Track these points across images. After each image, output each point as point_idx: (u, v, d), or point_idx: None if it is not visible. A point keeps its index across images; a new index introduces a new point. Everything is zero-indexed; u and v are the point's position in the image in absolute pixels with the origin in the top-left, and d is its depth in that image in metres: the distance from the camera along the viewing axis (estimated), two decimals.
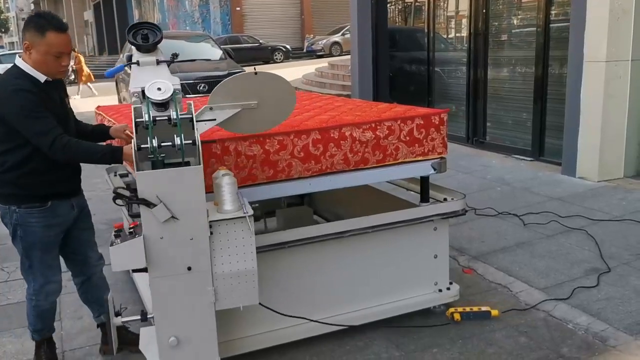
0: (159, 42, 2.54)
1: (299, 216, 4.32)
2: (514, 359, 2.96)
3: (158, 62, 2.51)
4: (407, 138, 3.10)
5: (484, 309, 3.34)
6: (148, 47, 2.53)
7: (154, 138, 2.30)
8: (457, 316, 3.30)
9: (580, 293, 3.52)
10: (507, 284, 3.75)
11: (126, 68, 2.60)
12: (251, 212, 2.45)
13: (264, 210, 4.13)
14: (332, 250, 3.11)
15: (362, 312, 3.22)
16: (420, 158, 3.17)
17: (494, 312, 3.32)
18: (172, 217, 2.36)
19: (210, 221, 2.42)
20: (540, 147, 6.66)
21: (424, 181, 3.36)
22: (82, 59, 18.51)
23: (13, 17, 60.93)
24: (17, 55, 2.76)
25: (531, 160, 6.63)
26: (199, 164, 2.35)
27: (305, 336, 3.10)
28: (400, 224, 3.20)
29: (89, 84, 18.14)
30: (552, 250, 4.16)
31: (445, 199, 3.40)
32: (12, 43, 64.12)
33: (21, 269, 2.90)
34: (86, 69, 18.31)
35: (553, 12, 6.47)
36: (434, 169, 3.22)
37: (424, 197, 3.37)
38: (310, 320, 3.06)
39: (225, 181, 2.45)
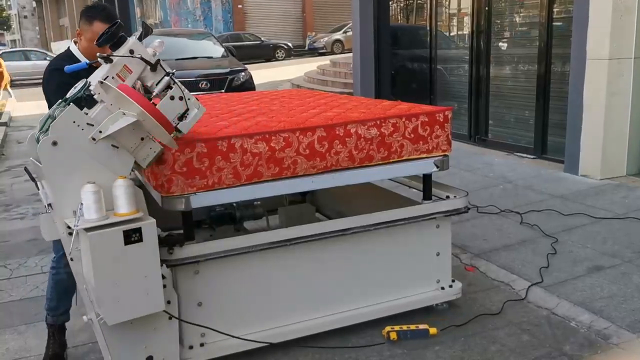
0: (110, 37, 2.49)
1: (301, 214, 4.32)
2: (516, 357, 2.96)
3: (106, 61, 2.47)
4: (412, 135, 3.10)
5: (421, 327, 3.16)
6: (103, 44, 2.52)
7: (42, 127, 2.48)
8: (393, 335, 3.11)
9: (583, 291, 3.52)
10: (510, 281, 3.75)
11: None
12: (78, 228, 2.34)
13: (266, 208, 4.13)
14: (334, 247, 3.11)
15: (364, 310, 3.22)
16: (424, 155, 3.17)
17: (432, 331, 3.14)
18: (49, 205, 2.48)
19: (66, 222, 2.41)
20: (542, 145, 6.65)
21: (427, 179, 3.35)
22: (2, 62, 17.83)
23: (15, 14, 60.93)
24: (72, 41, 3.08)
25: (533, 158, 6.62)
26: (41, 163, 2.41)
27: (308, 333, 3.11)
28: (402, 221, 3.20)
29: (8, 88, 17.58)
30: (554, 248, 4.16)
31: (447, 197, 3.40)
32: (14, 41, 64.06)
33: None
34: (7, 74, 17.53)
35: (555, 9, 6.46)
36: (437, 167, 3.22)
37: (427, 195, 3.37)
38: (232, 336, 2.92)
39: (84, 189, 2.35)
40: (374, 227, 3.13)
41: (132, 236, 2.38)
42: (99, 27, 2.80)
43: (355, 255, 3.19)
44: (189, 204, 2.69)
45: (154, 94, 2.58)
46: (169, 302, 2.69)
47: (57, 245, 2.92)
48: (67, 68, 2.68)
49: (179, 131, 2.57)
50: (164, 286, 2.63)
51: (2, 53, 25.93)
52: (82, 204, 2.36)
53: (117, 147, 2.44)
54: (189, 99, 2.55)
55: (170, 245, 2.70)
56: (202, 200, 2.72)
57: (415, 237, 3.30)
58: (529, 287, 3.63)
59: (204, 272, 2.84)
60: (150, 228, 2.44)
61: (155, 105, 2.50)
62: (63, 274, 2.97)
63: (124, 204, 2.41)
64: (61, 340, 3.14)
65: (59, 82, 2.73)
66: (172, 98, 2.51)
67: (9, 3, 61.92)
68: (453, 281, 3.45)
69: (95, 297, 2.45)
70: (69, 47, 3.00)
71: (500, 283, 3.77)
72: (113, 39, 2.50)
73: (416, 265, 3.34)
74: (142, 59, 2.50)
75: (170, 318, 2.71)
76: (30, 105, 14.69)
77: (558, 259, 3.97)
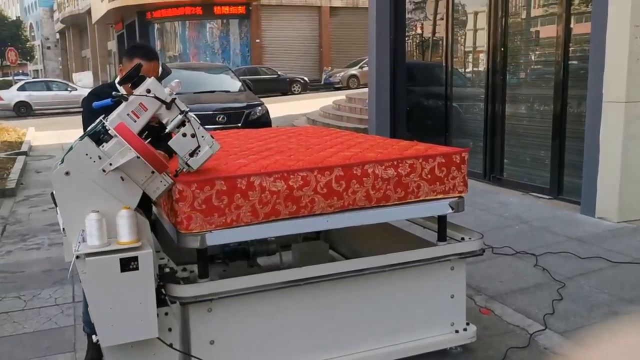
0: (130, 77, 2.69)
1: (315, 251, 4.31)
2: None
3: (123, 99, 2.64)
4: (429, 176, 3.11)
5: None
6: (123, 83, 2.81)
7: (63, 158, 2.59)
8: None
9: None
10: (526, 326, 3.69)
11: None
12: (78, 253, 2.47)
13: (279, 244, 4.12)
14: (347, 287, 3.10)
15: (376, 352, 3.18)
16: (441, 196, 3.17)
17: None
18: (63, 229, 2.63)
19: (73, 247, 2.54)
20: (558, 186, 6.61)
21: (442, 220, 3.34)
22: None
23: (38, 45, 62.42)
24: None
25: (549, 199, 6.57)
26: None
27: None
28: (417, 263, 3.18)
29: None
30: (571, 292, 4.10)
31: (462, 238, 3.38)
32: (37, 71, 65.47)
33: None
34: None
35: (572, 49, 6.49)
36: (452, 208, 3.21)
37: (442, 236, 3.35)
38: None
39: (88, 217, 2.48)
40: (388, 268, 3.11)
41: (130, 264, 2.47)
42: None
43: (369, 296, 3.16)
44: (204, 242, 2.70)
45: (167, 130, 2.69)
46: (170, 330, 2.74)
47: None
48: (95, 104, 2.81)
49: (190, 167, 2.69)
50: (166, 314, 2.72)
51: (25, 83, 26.50)
52: (83, 230, 2.49)
53: (123, 179, 2.56)
54: (202, 137, 2.67)
55: (162, 281, 2.74)
56: (217, 238, 2.73)
57: (430, 279, 3.28)
58: (546, 333, 3.57)
59: (217, 310, 2.83)
60: (146, 257, 2.51)
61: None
62: None
63: (125, 233, 2.51)
64: (98, 347, 3.20)
65: (92, 108, 2.92)
66: (184, 135, 2.66)
67: (33, 34, 63.54)
68: (467, 324, 3.41)
69: (92, 318, 2.58)
70: (114, 80, 3.26)
71: (516, 327, 3.71)
72: (132, 79, 2.67)
73: (430, 308, 3.30)
74: (156, 97, 2.62)
75: (171, 345, 2.73)
76: (50, 135, 14.93)
77: (575, 304, 3.91)
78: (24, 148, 12.79)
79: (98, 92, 3.09)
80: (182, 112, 2.66)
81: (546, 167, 6.81)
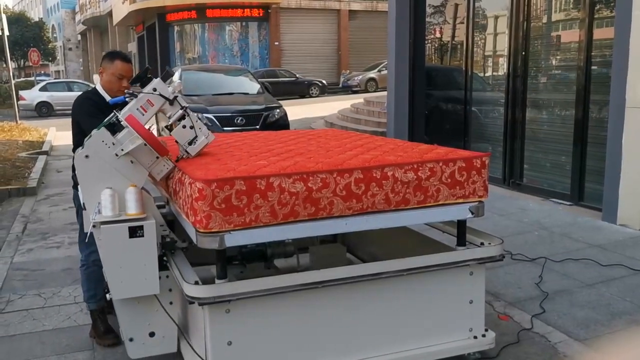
0: (139, 77, 3.13)
1: (332, 254, 4.29)
2: None
3: (132, 96, 3.11)
4: (449, 180, 3.08)
5: None
6: (134, 83, 3.24)
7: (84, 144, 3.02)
8: None
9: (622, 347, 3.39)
10: (545, 333, 3.65)
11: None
12: (94, 222, 2.89)
13: (297, 246, 4.11)
14: (365, 291, 3.07)
15: (393, 357, 3.15)
16: (460, 200, 3.14)
17: None
18: (83, 204, 3.09)
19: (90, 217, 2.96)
20: (579, 192, 6.53)
21: (461, 224, 3.31)
22: None
23: (60, 46, 63.26)
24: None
25: (570, 205, 6.50)
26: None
27: None
28: (436, 267, 3.15)
29: None
30: (592, 300, 4.04)
31: (482, 243, 3.35)
32: (58, 71, 66.36)
33: (78, 241, 3.75)
34: None
35: (594, 53, 6.41)
36: (472, 213, 3.18)
37: (461, 241, 3.32)
38: None
39: (103, 193, 2.90)
40: (406, 272, 3.09)
41: (137, 232, 2.88)
42: (119, 64, 3.61)
43: (387, 300, 3.14)
44: (223, 243, 2.70)
45: (170, 122, 3.15)
46: (170, 290, 3.15)
47: (83, 245, 3.62)
48: (110, 100, 3.36)
49: (188, 153, 3.15)
50: (167, 276, 3.12)
51: (47, 83, 26.86)
52: (99, 203, 2.92)
53: (132, 162, 3.00)
54: (199, 129, 3.14)
55: (163, 249, 3.10)
56: (236, 239, 2.73)
57: (448, 284, 3.25)
58: (567, 341, 3.52)
59: (235, 311, 2.83)
60: (150, 227, 2.92)
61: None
62: (93, 267, 3.62)
63: (132, 206, 2.92)
64: (106, 318, 3.74)
65: (89, 109, 3.54)
66: (183, 127, 3.13)
67: (55, 35, 64.40)
68: (486, 330, 3.37)
69: (105, 277, 3.03)
70: (95, 87, 3.74)
71: (535, 334, 3.66)
72: (142, 79, 3.12)
73: (448, 313, 3.27)
74: (160, 95, 3.06)
75: (170, 303, 3.16)
76: (71, 135, 15.07)
77: (595, 312, 3.85)
78: (45, 148, 12.95)
79: (89, 96, 3.67)
80: (182, 107, 3.10)
81: (567, 173, 6.73)
